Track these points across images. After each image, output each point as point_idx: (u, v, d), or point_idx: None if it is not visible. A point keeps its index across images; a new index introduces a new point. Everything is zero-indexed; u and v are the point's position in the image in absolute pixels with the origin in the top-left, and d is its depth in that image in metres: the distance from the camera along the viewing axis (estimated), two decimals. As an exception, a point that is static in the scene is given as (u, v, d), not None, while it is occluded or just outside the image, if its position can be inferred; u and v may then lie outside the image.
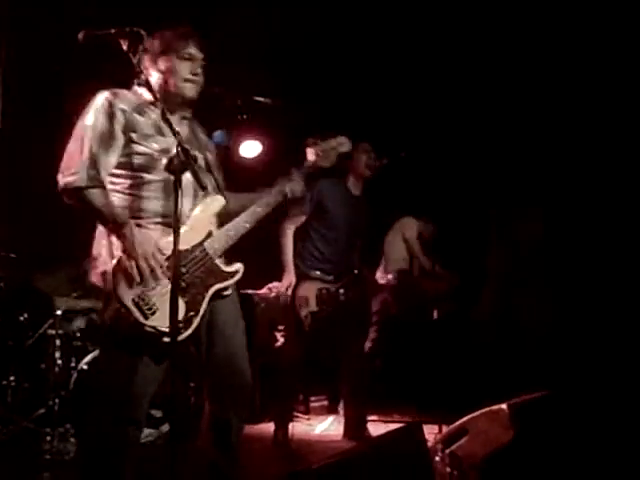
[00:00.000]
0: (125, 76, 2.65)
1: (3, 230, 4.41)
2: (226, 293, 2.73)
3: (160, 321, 2.46)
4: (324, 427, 5.00)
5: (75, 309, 4.53)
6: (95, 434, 2.62)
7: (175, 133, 2.40)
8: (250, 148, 5.93)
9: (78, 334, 4.49)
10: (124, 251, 2.50)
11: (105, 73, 2.40)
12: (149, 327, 2.49)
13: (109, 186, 2.61)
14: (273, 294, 4.64)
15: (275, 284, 5.21)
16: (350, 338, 4.39)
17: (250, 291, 5.18)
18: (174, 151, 2.48)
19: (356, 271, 4.37)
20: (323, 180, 4.36)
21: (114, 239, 2.54)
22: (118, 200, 2.61)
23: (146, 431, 3.63)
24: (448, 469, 2.82)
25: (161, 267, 2.51)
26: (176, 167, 2.29)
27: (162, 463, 2.24)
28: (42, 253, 4.70)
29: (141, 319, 2.49)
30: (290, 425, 4.30)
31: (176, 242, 2.23)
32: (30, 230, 4.70)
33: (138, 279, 2.49)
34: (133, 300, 2.49)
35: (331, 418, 5.14)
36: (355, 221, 4.43)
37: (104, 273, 2.54)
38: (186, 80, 2.69)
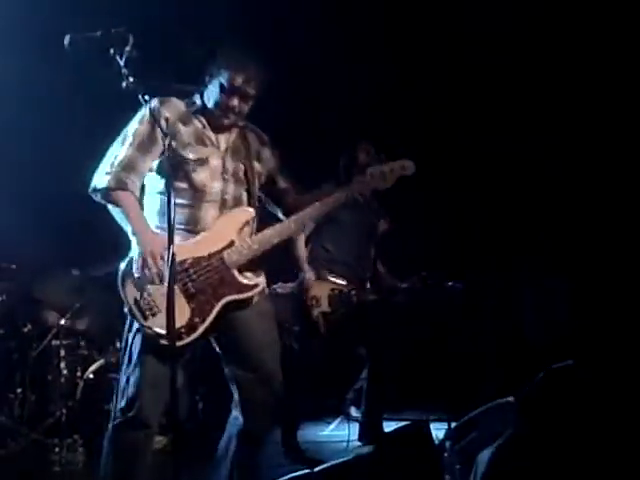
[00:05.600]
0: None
1: (3, 240, 4.41)
2: (251, 304, 2.70)
3: (159, 323, 2.46)
4: (332, 428, 5.00)
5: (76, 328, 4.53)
6: (106, 439, 2.63)
7: (165, 134, 2.41)
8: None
9: (83, 343, 4.49)
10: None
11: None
12: (147, 328, 2.52)
13: (150, 189, 2.68)
14: (281, 290, 4.59)
15: (281, 284, 5.22)
16: (367, 340, 4.37)
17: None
18: (213, 162, 2.64)
19: (368, 274, 4.34)
20: (326, 184, 4.37)
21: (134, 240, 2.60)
22: (147, 203, 2.69)
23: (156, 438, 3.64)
24: (458, 465, 2.83)
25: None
26: (165, 168, 2.29)
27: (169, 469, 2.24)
28: (42, 262, 4.69)
29: (140, 319, 2.53)
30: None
31: (170, 245, 2.22)
32: (30, 239, 4.69)
33: (142, 278, 2.52)
34: (135, 299, 2.53)
35: (339, 419, 5.13)
36: (365, 223, 4.41)
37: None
38: (228, 108, 2.67)
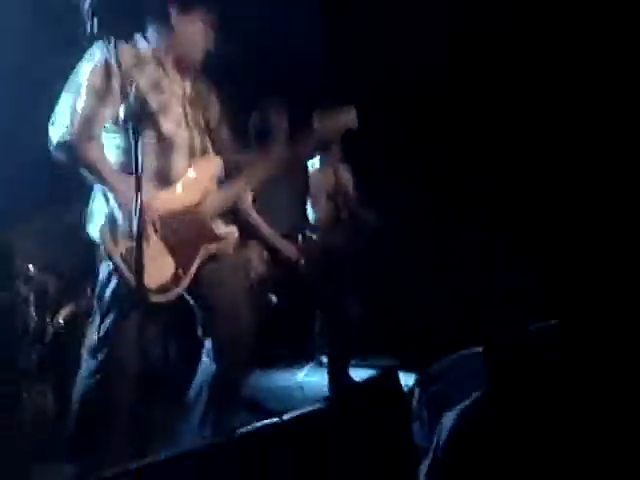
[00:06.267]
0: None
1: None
2: (221, 255, 2.69)
3: (147, 279, 2.40)
4: (304, 374, 5.04)
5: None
6: (78, 393, 2.62)
7: (133, 86, 2.35)
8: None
9: (52, 289, 4.44)
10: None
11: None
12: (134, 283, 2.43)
13: (104, 141, 2.60)
14: None
15: None
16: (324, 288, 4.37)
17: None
18: (174, 110, 2.59)
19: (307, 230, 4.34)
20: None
21: (108, 194, 2.52)
22: (112, 155, 2.61)
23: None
24: (425, 412, 2.87)
25: (152, 224, 2.48)
26: (130, 119, 2.23)
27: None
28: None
29: (128, 275, 2.47)
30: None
31: (138, 197, 2.17)
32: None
33: (125, 234, 2.47)
34: (122, 256, 2.48)
35: (310, 364, 5.17)
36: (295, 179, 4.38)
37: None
38: (192, 45, 2.67)
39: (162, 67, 2.67)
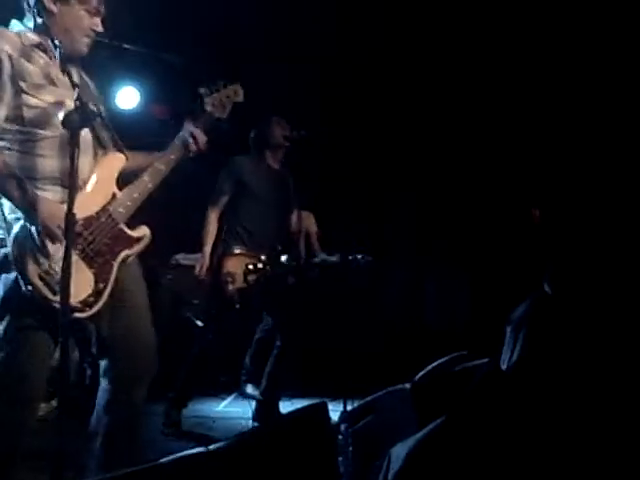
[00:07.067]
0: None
1: None
2: (129, 260, 2.54)
3: (71, 296, 2.15)
4: (226, 404, 4.95)
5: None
6: None
7: (74, 85, 2.22)
8: (127, 97, 5.48)
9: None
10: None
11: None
12: (57, 304, 2.20)
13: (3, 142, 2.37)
14: (184, 261, 4.50)
15: (184, 255, 5.11)
16: (282, 316, 4.33)
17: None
18: (69, 104, 2.32)
19: (280, 247, 4.31)
20: (239, 157, 4.35)
21: (8, 205, 2.31)
22: (10, 159, 2.34)
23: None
24: (351, 448, 2.85)
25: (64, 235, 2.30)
26: (74, 123, 2.11)
27: (52, 438, 2.13)
28: None
29: (49, 295, 2.28)
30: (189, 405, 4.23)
31: (71, 206, 2.02)
32: None
33: (44, 251, 2.28)
34: (39, 276, 2.28)
35: (233, 395, 5.08)
36: (279, 195, 4.37)
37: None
38: (87, 35, 2.47)
39: (50, 57, 2.43)
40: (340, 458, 2.76)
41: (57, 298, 2.22)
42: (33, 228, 2.28)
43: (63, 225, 2.14)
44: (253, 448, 2.12)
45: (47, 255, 2.28)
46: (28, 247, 2.27)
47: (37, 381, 2.40)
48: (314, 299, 4.70)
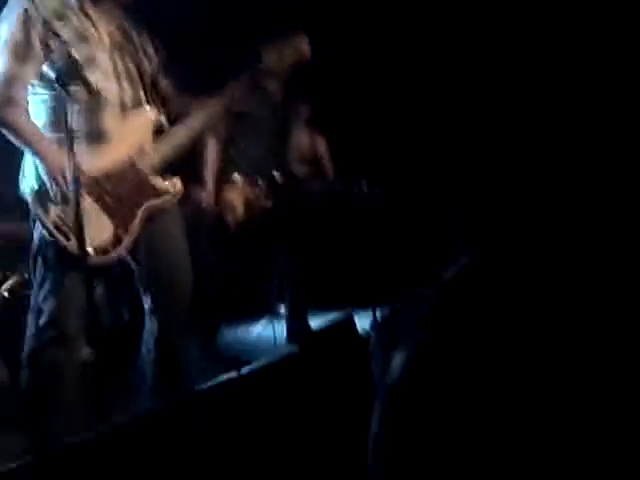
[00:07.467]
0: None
1: None
2: (165, 209, 2.63)
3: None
4: (261, 328, 5.03)
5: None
6: (26, 358, 2.55)
7: (55, 39, 2.22)
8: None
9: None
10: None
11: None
12: (71, 248, 2.40)
13: (31, 97, 2.48)
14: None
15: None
16: (283, 240, 4.34)
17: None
18: (102, 60, 2.46)
19: (277, 175, 4.26)
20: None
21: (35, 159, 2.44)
22: (41, 114, 2.49)
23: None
24: (381, 353, 2.90)
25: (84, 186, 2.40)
26: (62, 78, 2.14)
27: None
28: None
29: (63, 241, 2.41)
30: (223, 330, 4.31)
31: (71, 157, 2.10)
32: None
33: (56, 199, 2.40)
34: (54, 222, 2.41)
35: (265, 318, 5.16)
36: (279, 116, 4.31)
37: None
38: None
39: (86, 15, 2.52)
40: (374, 368, 2.81)
41: (70, 243, 2.38)
42: (45, 177, 2.41)
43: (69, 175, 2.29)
44: (286, 367, 2.16)
45: (57, 203, 2.40)
46: (42, 195, 2.42)
47: (73, 322, 2.50)
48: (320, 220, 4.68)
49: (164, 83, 2.74)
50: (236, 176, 4.16)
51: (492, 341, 1.41)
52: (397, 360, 1.50)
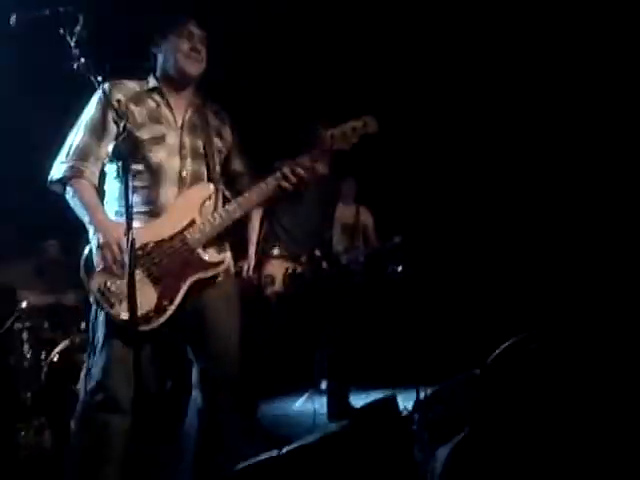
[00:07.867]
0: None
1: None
2: (217, 283, 2.67)
3: (126, 310, 2.39)
4: (301, 403, 5.01)
5: (39, 304, 4.46)
6: (76, 422, 2.60)
7: (119, 117, 2.34)
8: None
9: (46, 326, 4.42)
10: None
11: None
12: (114, 315, 2.49)
13: (108, 171, 2.66)
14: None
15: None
16: (325, 316, 4.36)
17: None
18: (170, 139, 2.62)
19: (317, 251, 4.31)
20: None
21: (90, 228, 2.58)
22: (113, 188, 2.64)
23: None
24: (426, 436, 2.87)
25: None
26: (121, 153, 2.24)
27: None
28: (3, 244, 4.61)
29: (107, 308, 2.50)
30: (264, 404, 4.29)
31: (129, 232, 2.16)
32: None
33: (104, 268, 2.49)
34: (99, 289, 2.51)
35: (307, 393, 5.14)
36: (323, 199, 4.38)
37: None
38: (187, 56, 2.67)
39: (162, 97, 2.71)
40: (417, 447, 2.78)
41: (114, 311, 2.49)
42: (96, 248, 2.52)
43: (124, 246, 2.38)
44: (327, 447, 2.15)
45: (106, 272, 2.50)
46: (89, 263, 2.54)
47: (120, 387, 2.52)
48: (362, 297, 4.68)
49: (237, 161, 2.86)
50: (277, 250, 4.22)
51: (535, 435, 1.40)
52: (441, 455, 1.49)
